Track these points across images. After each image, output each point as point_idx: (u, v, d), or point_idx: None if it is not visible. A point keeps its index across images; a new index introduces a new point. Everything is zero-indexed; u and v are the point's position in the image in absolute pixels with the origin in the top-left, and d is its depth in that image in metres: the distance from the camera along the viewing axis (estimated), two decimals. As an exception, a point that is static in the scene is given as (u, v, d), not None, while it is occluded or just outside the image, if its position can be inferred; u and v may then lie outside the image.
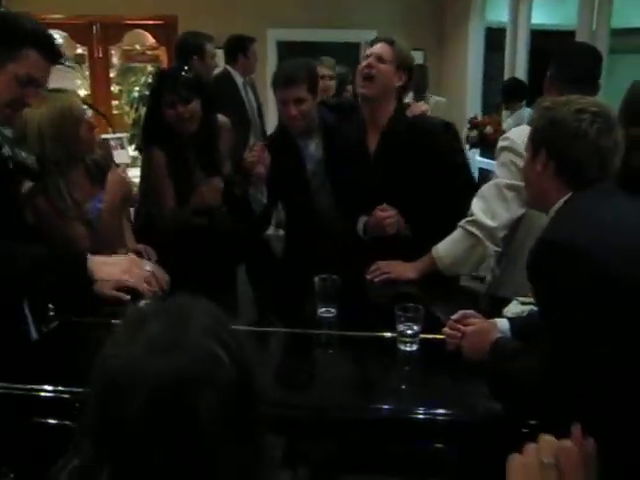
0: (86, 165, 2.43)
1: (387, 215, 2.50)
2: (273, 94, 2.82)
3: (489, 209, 2.28)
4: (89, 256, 1.92)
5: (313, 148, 2.89)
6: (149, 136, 2.85)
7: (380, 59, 2.54)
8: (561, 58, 2.54)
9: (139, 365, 0.82)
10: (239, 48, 4.84)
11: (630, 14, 5.94)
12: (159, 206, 2.82)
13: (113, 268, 1.91)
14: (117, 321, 0.97)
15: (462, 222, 2.34)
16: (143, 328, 0.85)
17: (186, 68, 2.94)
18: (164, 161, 2.77)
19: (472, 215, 2.32)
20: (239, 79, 4.83)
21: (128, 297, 2.02)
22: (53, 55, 1.84)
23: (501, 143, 2.33)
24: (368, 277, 2.40)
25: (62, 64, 2.09)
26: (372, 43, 2.64)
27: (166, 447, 0.80)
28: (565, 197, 1.58)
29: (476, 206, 2.32)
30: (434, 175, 2.51)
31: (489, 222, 2.27)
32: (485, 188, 2.33)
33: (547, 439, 0.95)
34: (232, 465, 0.83)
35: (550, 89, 2.49)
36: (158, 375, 0.81)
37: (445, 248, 2.36)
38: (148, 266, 2.03)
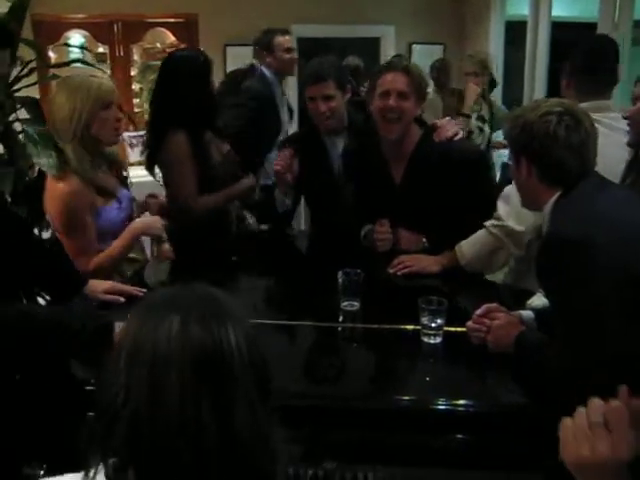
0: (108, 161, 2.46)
1: (381, 232, 2.50)
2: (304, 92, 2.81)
3: (515, 213, 2.22)
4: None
5: (341, 147, 2.88)
6: (173, 119, 2.75)
7: (402, 95, 2.37)
8: (575, 52, 2.53)
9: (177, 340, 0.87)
10: (263, 45, 4.28)
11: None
12: (182, 196, 2.80)
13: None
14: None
15: (488, 223, 2.32)
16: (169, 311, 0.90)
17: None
18: (186, 143, 2.76)
19: (498, 218, 2.28)
20: (273, 79, 4.29)
21: (122, 299, 2.06)
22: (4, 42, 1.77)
23: None
24: (391, 271, 2.40)
25: None
26: (381, 71, 2.45)
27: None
28: (555, 196, 1.64)
29: (502, 209, 2.28)
30: (461, 202, 2.38)
31: (516, 227, 2.24)
32: (511, 190, 2.20)
33: (596, 401, 1.01)
34: (248, 407, 0.87)
35: (568, 85, 2.49)
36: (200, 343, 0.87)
37: (469, 249, 2.35)
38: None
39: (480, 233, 2.35)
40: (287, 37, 4.13)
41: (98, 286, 2.06)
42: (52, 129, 2.26)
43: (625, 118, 2.11)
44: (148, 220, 2.40)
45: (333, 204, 2.86)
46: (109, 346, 1.65)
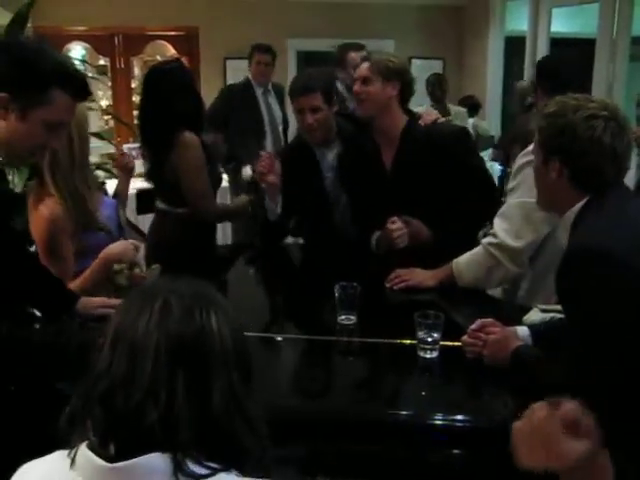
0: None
1: (396, 228, 2.49)
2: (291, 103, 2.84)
3: (513, 230, 2.21)
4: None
5: (331, 158, 2.89)
6: (183, 121, 2.75)
7: (364, 81, 2.55)
8: (546, 71, 2.57)
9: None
10: (248, 57, 4.91)
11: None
12: (203, 198, 2.83)
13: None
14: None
15: (485, 241, 2.31)
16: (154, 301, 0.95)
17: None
18: (199, 144, 2.79)
19: (495, 236, 2.27)
20: (258, 88, 4.86)
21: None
22: (83, 93, 1.66)
23: (523, 159, 2.20)
24: (387, 285, 2.40)
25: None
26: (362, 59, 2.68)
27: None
28: (582, 201, 1.57)
29: (499, 226, 2.27)
30: (452, 182, 2.50)
31: (513, 243, 2.21)
32: (510, 208, 2.25)
33: (540, 407, 1.03)
34: (227, 387, 0.92)
35: (536, 101, 2.52)
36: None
37: (466, 266, 2.34)
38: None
39: (477, 251, 2.34)
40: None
41: (89, 302, 2.04)
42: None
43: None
44: (119, 247, 2.23)
45: (326, 216, 2.89)
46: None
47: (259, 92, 4.85)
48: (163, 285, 0.98)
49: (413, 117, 2.65)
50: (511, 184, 2.30)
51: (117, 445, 0.90)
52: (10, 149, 1.61)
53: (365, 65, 2.57)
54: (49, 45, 1.67)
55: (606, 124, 1.52)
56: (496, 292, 2.56)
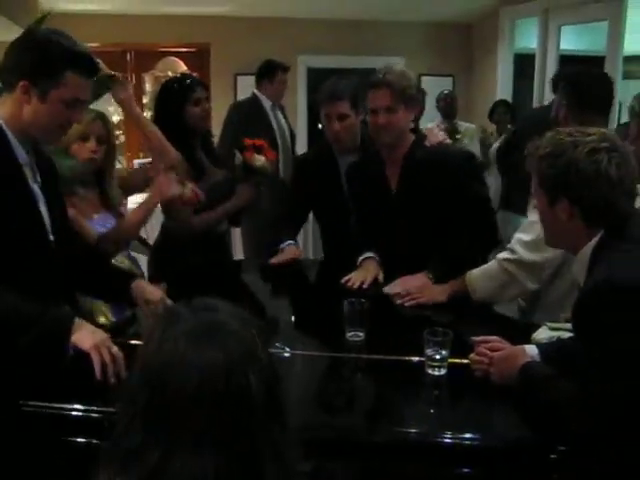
0: None
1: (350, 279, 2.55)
2: (319, 111, 2.89)
3: (534, 243, 2.18)
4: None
5: None
6: (169, 137, 2.71)
7: (389, 110, 2.45)
8: (577, 90, 2.54)
9: (184, 358, 0.87)
10: (266, 74, 4.91)
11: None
12: (182, 212, 2.80)
13: (88, 336, 1.73)
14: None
15: (501, 256, 2.30)
16: (177, 324, 0.91)
17: (194, 74, 3.06)
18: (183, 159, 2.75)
19: (513, 251, 2.26)
20: (267, 103, 4.88)
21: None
22: (92, 71, 1.87)
23: None
24: (398, 302, 2.39)
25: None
26: (369, 86, 2.50)
27: (220, 426, 0.85)
28: (598, 236, 1.53)
29: (519, 241, 2.25)
30: (453, 206, 2.48)
31: (532, 257, 2.20)
32: (531, 226, 2.20)
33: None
34: (268, 440, 0.89)
35: (567, 118, 2.49)
36: (208, 363, 0.87)
37: (479, 281, 2.33)
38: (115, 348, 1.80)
39: (491, 265, 2.34)
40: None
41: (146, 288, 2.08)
42: None
43: None
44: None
45: (344, 224, 2.90)
46: (62, 340, 1.69)
47: (268, 107, 4.87)
48: (190, 338, 0.90)
49: (419, 136, 2.64)
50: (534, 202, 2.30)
51: None
52: (39, 129, 1.81)
53: (386, 93, 2.45)
54: (59, 31, 1.85)
55: (609, 156, 1.48)
56: (513, 311, 2.55)
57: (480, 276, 2.34)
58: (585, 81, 2.60)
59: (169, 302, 2.01)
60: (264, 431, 0.87)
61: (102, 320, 2.37)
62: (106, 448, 0.91)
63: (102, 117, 2.51)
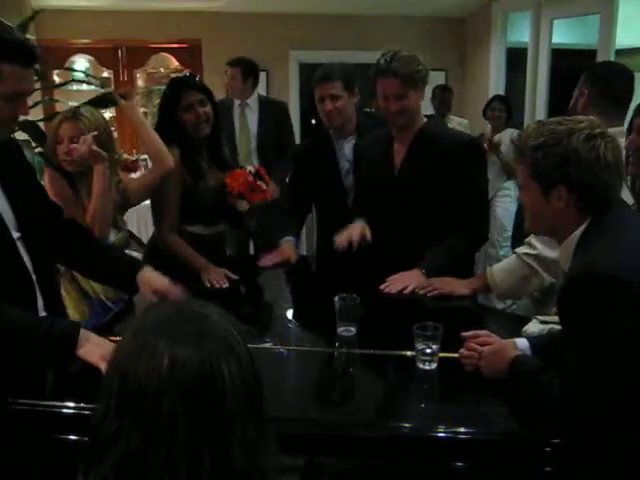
0: None
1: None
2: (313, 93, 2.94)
3: (551, 240, 2.12)
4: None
5: (348, 151, 2.99)
6: (165, 137, 2.70)
7: (398, 97, 2.49)
8: (603, 79, 2.52)
9: (156, 347, 0.87)
10: (252, 74, 4.77)
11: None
12: (162, 217, 2.78)
13: (95, 348, 1.68)
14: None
15: (520, 250, 2.32)
16: (154, 314, 0.92)
17: (197, 77, 3.06)
18: (178, 161, 2.71)
19: (531, 246, 2.28)
20: (236, 101, 4.72)
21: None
22: (30, 60, 1.69)
23: None
24: (421, 292, 2.39)
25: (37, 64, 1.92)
26: (377, 74, 2.52)
27: (191, 415, 0.85)
28: (585, 224, 1.54)
29: (536, 237, 2.25)
30: (453, 192, 2.51)
31: (550, 254, 2.19)
32: None
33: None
34: (243, 438, 0.87)
35: (587, 107, 2.46)
36: (181, 351, 0.86)
37: (501, 276, 2.34)
38: None
39: (511, 260, 2.36)
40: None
41: (152, 280, 2.04)
42: None
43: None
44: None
45: (341, 205, 2.98)
46: (68, 358, 1.65)
47: (236, 105, 4.72)
48: (166, 321, 0.91)
49: (434, 120, 2.72)
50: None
51: None
52: None
53: (395, 82, 2.47)
54: None
55: (604, 141, 1.49)
56: (526, 303, 2.56)
57: (501, 271, 2.36)
58: (611, 72, 2.58)
59: (177, 290, 1.99)
60: (237, 424, 0.87)
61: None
62: (87, 441, 0.91)
63: (73, 116, 2.45)
